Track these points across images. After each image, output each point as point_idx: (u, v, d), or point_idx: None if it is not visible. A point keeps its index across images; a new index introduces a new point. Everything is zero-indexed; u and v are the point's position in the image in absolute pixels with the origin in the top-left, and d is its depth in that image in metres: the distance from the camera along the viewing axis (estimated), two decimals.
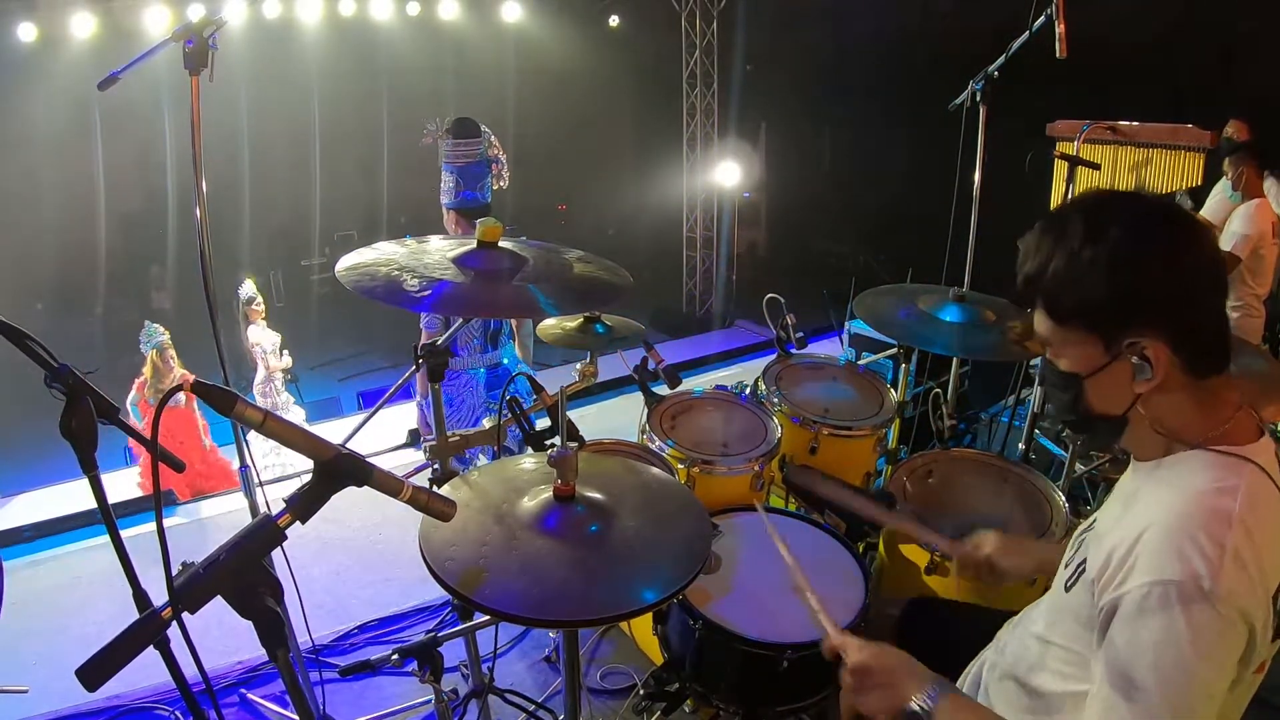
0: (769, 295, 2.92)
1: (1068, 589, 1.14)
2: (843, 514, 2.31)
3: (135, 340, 5.23)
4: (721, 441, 2.49)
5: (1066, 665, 1.13)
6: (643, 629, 2.43)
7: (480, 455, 2.97)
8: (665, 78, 9.39)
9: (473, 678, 2.27)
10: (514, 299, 1.65)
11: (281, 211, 9.86)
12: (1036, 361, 3.15)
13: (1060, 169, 3.34)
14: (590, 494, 1.43)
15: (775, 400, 2.64)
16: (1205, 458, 1.04)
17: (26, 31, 6.51)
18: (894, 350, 3.97)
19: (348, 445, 1.02)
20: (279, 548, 1.02)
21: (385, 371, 9.03)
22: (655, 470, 1.64)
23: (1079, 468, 2.73)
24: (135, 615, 0.98)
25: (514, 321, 3.18)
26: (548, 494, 1.41)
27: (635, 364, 2.58)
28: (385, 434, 5.68)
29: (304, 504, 1.01)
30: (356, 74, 9.24)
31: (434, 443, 1.92)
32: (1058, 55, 2.38)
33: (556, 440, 1.97)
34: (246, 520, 1.03)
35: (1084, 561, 1.11)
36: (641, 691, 2.20)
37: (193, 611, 0.96)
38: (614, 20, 9.78)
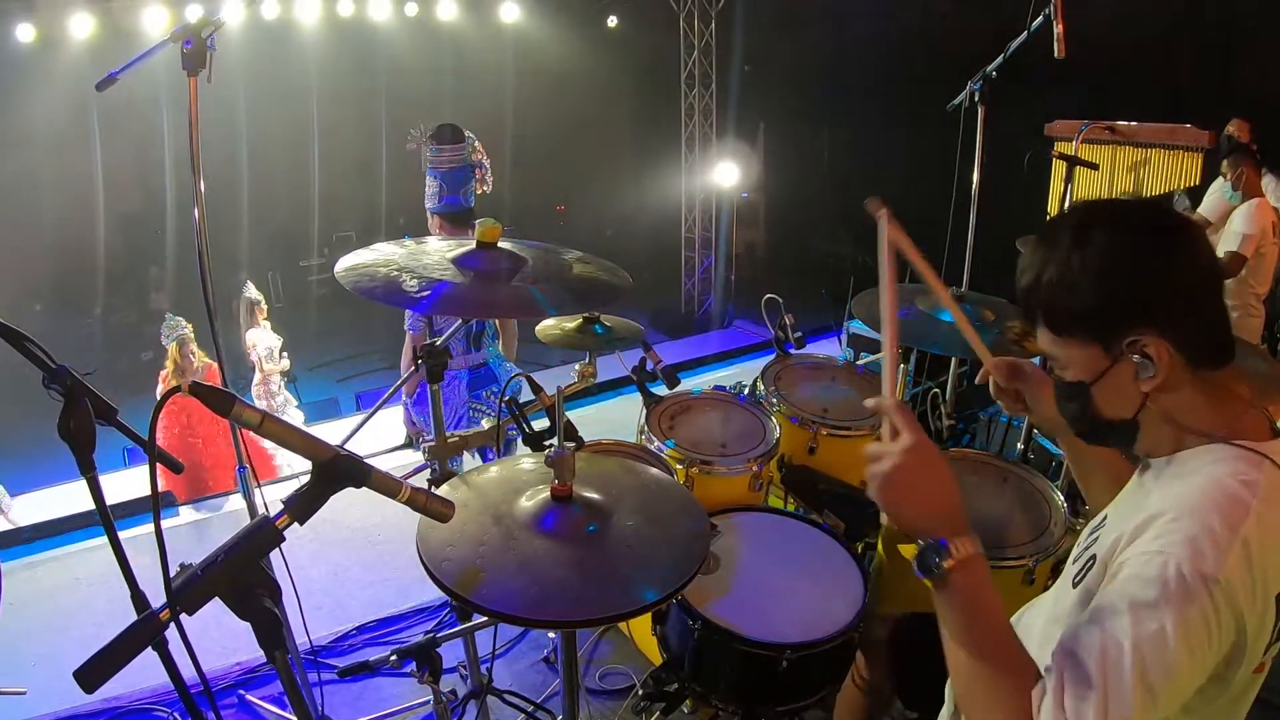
0: (767, 295, 2.93)
1: (1075, 584, 1.14)
2: (843, 514, 2.31)
3: (133, 341, 5.24)
4: (720, 442, 2.49)
5: None
6: (641, 629, 2.43)
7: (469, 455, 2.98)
8: (664, 78, 9.39)
9: (471, 678, 2.27)
10: (513, 299, 1.65)
11: (280, 212, 9.85)
12: (1035, 361, 3.15)
13: (1059, 169, 3.35)
14: (588, 494, 1.43)
15: (774, 400, 2.64)
16: (1224, 450, 1.03)
17: (25, 32, 6.51)
18: None
19: (346, 446, 1.02)
20: (277, 549, 1.02)
21: (383, 372, 9.01)
22: (654, 471, 1.64)
23: None
24: (134, 616, 0.98)
25: (498, 321, 3.18)
26: (545, 494, 1.41)
27: (634, 364, 2.58)
28: (383, 435, 5.66)
29: (302, 505, 1.00)
30: (355, 75, 9.23)
31: (433, 443, 1.92)
32: (1056, 55, 2.38)
33: (554, 440, 1.97)
34: (245, 522, 1.03)
35: (1094, 556, 1.10)
36: (640, 692, 2.20)
37: (191, 613, 0.96)
38: (612, 21, 9.78)
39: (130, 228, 9.21)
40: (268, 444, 4.81)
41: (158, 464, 1.03)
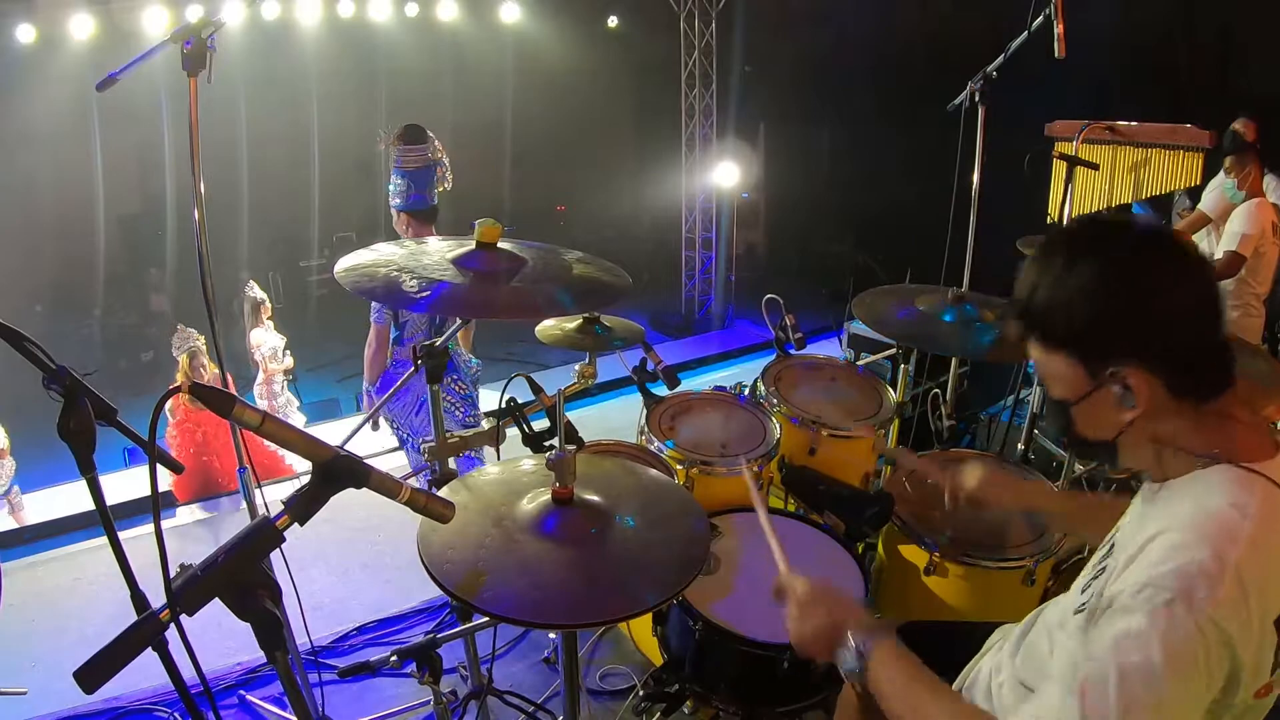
0: (768, 296, 2.92)
1: (1077, 612, 1.11)
2: (843, 515, 2.31)
3: (133, 341, 5.24)
4: (720, 442, 2.49)
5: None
6: (642, 630, 2.43)
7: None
8: (664, 78, 9.37)
9: (472, 679, 2.27)
10: (513, 300, 1.65)
11: (280, 213, 9.85)
12: (1030, 366, 3.15)
13: (1059, 169, 3.34)
14: (589, 496, 1.43)
15: (774, 401, 2.64)
16: (1218, 473, 1.01)
17: (25, 33, 6.51)
18: (893, 350, 3.97)
19: (346, 447, 1.02)
20: (277, 549, 1.02)
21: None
22: (654, 472, 1.64)
23: (1078, 468, 2.73)
24: (134, 617, 0.98)
25: None
26: (546, 496, 1.41)
27: (634, 365, 2.58)
28: (383, 435, 5.66)
29: (302, 506, 1.01)
30: (355, 75, 9.24)
31: (433, 444, 1.92)
32: (1056, 55, 2.37)
33: (555, 442, 1.97)
34: (245, 522, 1.03)
35: (1100, 590, 1.08)
36: (641, 692, 2.20)
37: (191, 613, 0.96)
38: (613, 21, 9.78)
39: (130, 228, 9.22)
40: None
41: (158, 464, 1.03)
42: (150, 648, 0.97)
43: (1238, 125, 4.05)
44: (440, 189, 3.19)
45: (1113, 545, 1.18)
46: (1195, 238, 4.24)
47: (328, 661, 2.78)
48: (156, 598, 1.02)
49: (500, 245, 1.72)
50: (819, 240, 10.47)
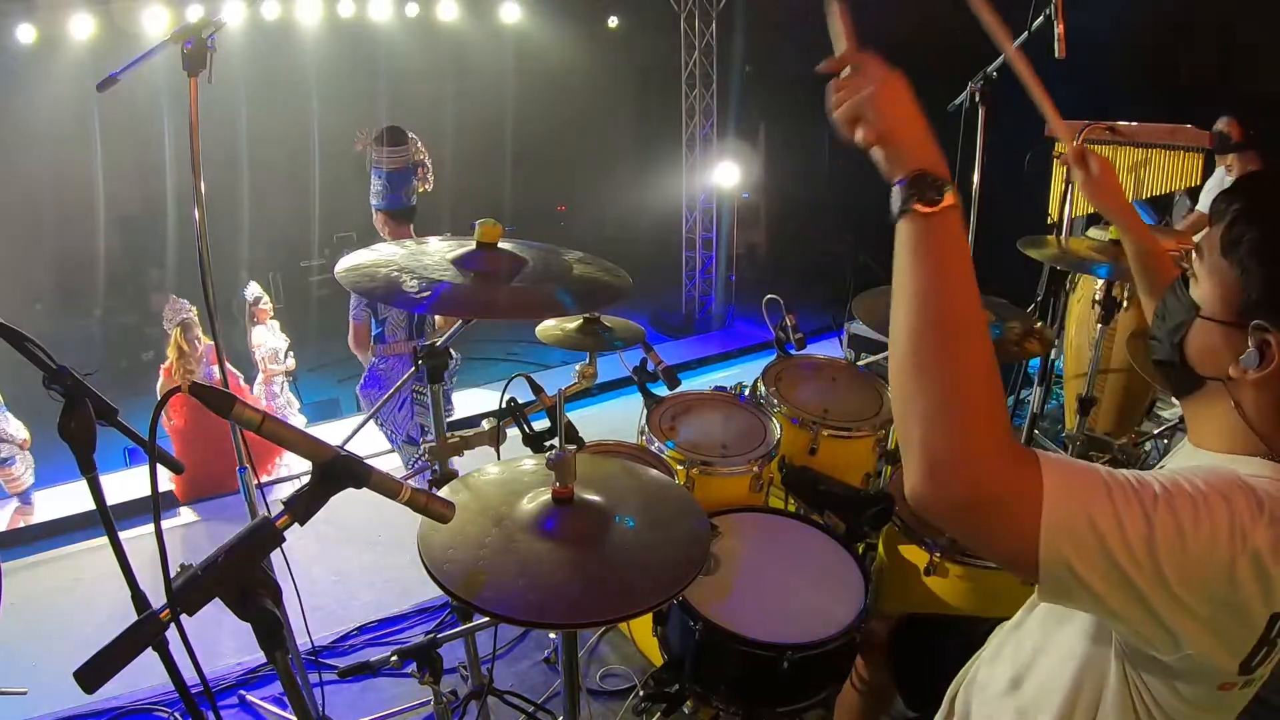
0: (768, 296, 2.92)
1: None
2: (843, 515, 2.31)
3: (133, 341, 5.17)
4: (721, 443, 2.49)
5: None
6: (642, 630, 2.43)
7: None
8: (664, 78, 9.37)
9: (472, 679, 2.27)
10: (513, 300, 1.65)
11: (280, 213, 9.84)
12: (1035, 362, 3.15)
13: (1059, 169, 3.34)
14: (589, 496, 1.43)
15: (774, 401, 2.64)
16: (1258, 465, 0.95)
17: (25, 33, 6.51)
18: None
19: (346, 446, 1.02)
20: (278, 549, 1.02)
21: None
22: (654, 472, 1.64)
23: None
24: (134, 617, 0.98)
25: None
26: (546, 496, 1.41)
27: (634, 365, 2.58)
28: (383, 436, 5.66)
29: (302, 506, 1.00)
30: (355, 75, 9.22)
31: (433, 444, 1.92)
32: (1056, 55, 2.37)
33: (555, 442, 1.97)
34: (245, 522, 1.03)
35: None
36: (641, 693, 2.20)
37: (191, 613, 0.96)
38: (613, 21, 9.77)
39: (131, 228, 9.20)
40: None
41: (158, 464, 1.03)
42: (150, 648, 0.97)
43: (1222, 126, 4.05)
44: (421, 189, 3.26)
45: None
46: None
47: (328, 661, 2.78)
48: (157, 598, 1.02)
49: (500, 245, 1.71)
50: (820, 240, 10.45)
